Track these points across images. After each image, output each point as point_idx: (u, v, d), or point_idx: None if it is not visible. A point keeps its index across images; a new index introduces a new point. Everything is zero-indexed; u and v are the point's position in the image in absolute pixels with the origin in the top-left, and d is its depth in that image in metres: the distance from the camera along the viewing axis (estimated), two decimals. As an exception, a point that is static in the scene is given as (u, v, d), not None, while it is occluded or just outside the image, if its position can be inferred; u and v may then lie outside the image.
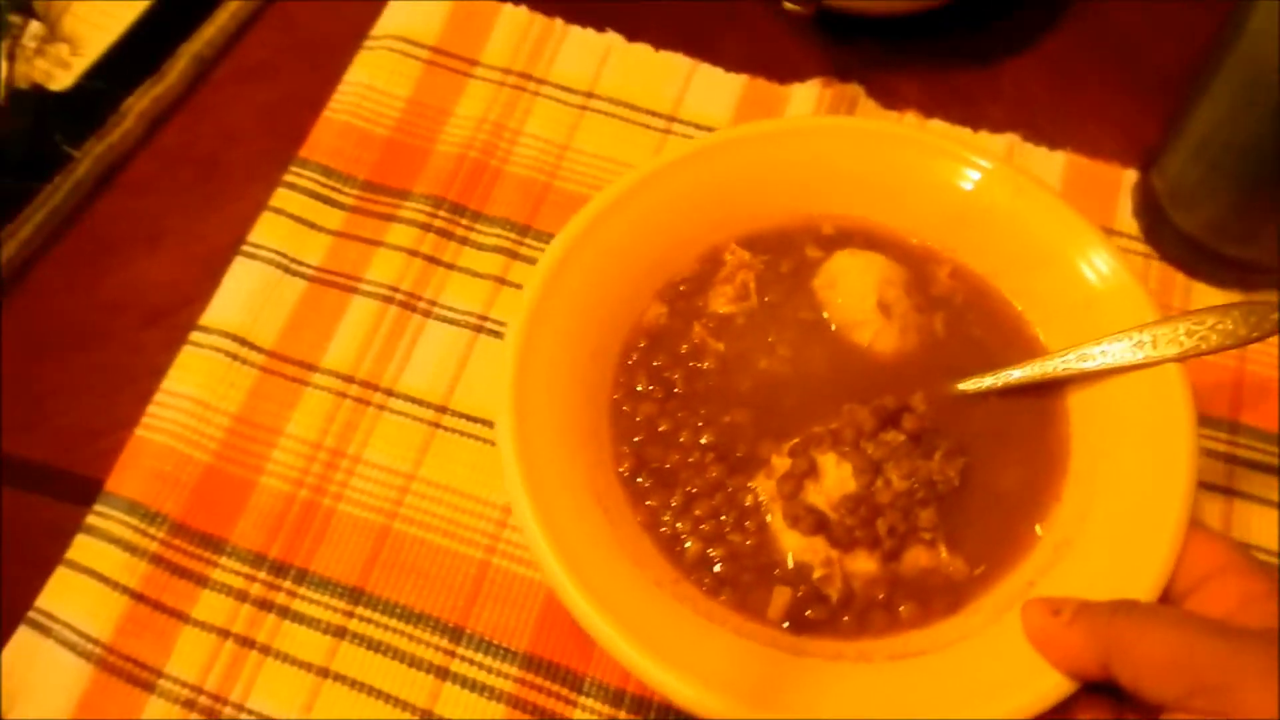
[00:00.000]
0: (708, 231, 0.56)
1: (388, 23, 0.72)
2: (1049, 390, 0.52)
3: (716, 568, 0.48)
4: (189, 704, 0.51)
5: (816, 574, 0.48)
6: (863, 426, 0.50)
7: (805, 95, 0.68)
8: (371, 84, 0.69)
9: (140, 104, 0.68)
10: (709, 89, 0.69)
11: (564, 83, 0.70)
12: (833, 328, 0.54)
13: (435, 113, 0.68)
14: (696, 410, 0.52)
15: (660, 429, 0.52)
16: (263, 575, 0.54)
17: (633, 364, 0.53)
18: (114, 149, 0.67)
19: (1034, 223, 0.54)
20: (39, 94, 0.68)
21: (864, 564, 0.48)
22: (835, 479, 0.49)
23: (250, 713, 0.51)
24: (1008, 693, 0.42)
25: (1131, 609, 0.41)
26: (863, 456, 0.49)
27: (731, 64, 0.70)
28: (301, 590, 0.54)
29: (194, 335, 0.61)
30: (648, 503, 0.50)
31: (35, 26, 0.70)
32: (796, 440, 0.50)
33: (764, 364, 0.53)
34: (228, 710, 0.51)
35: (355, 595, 0.54)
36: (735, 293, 0.55)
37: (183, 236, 0.65)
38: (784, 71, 0.69)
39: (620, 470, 0.50)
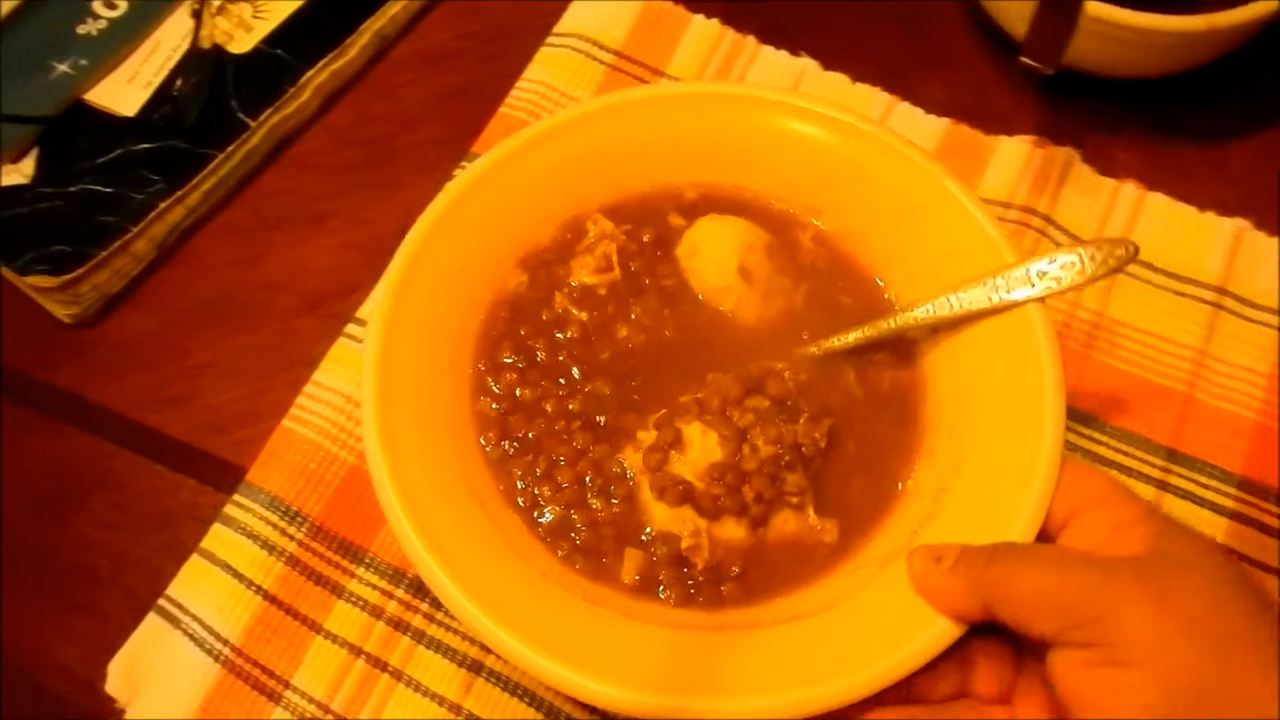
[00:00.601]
0: (572, 202, 0.56)
1: (572, 21, 0.69)
2: (909, 348, 0.53)
3: (577, 536, 0.48)
4: (314, 722, 0.49)
5: (685, 544, 0.47)
6: (728, 394, 0.49)
7: (1012, 151, 0.63)
8: (551, 84, 0.66)
9: (318, 78, 0.66)
10: (907, 129, 0.64)
11: (752, 104, 0.66)
12: (698, 295, 0.54)
13: (617, 121, 0.65)
14: (559, 380, 0.52)
15: (523, 398, 0.51)
16: (400, 593, 0.52)
17: (496, 335, 0.53)
18: (287, 121, 0.65)
19: (896, 178, 0.54)
20: (218, 55, 0.66)
21: (732, 531, 0.48)
22: (701, 448, 0.48)
23: (377, 741, 0.49)
24: (898, 643, 0.42)
25: (1008, 551, 0.42)
26: (728, 424, 0.49)
27: (934, 106, 0.65)
28: (440, 615, 0.51)
29: (349, 328, 0.58)
30: (513, 471, 0.49)
31: (223, -15, 0.68)
32: (662, 411, 0.50)
33: (626, 333, 0.53)
34: (354, 735, 0.49)
35: (495, 629, 0.51)
36: (597, 264, 0.54)
37: (348, 220, 0.63)
38: (991, 121, 0.64)
39: (482, 442, 0.50)
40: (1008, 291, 0.49)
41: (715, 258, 0.54)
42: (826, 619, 0.45)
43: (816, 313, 0.54)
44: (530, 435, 0.50)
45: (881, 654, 0.42)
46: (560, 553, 0.47)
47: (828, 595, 0.46)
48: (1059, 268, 0.48)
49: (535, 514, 0.48)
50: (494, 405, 0.51)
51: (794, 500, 0.48)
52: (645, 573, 0.47)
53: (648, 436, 0.49)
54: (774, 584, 0.48)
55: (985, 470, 0.47)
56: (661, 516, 0.48)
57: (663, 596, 0.47)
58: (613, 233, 0.55)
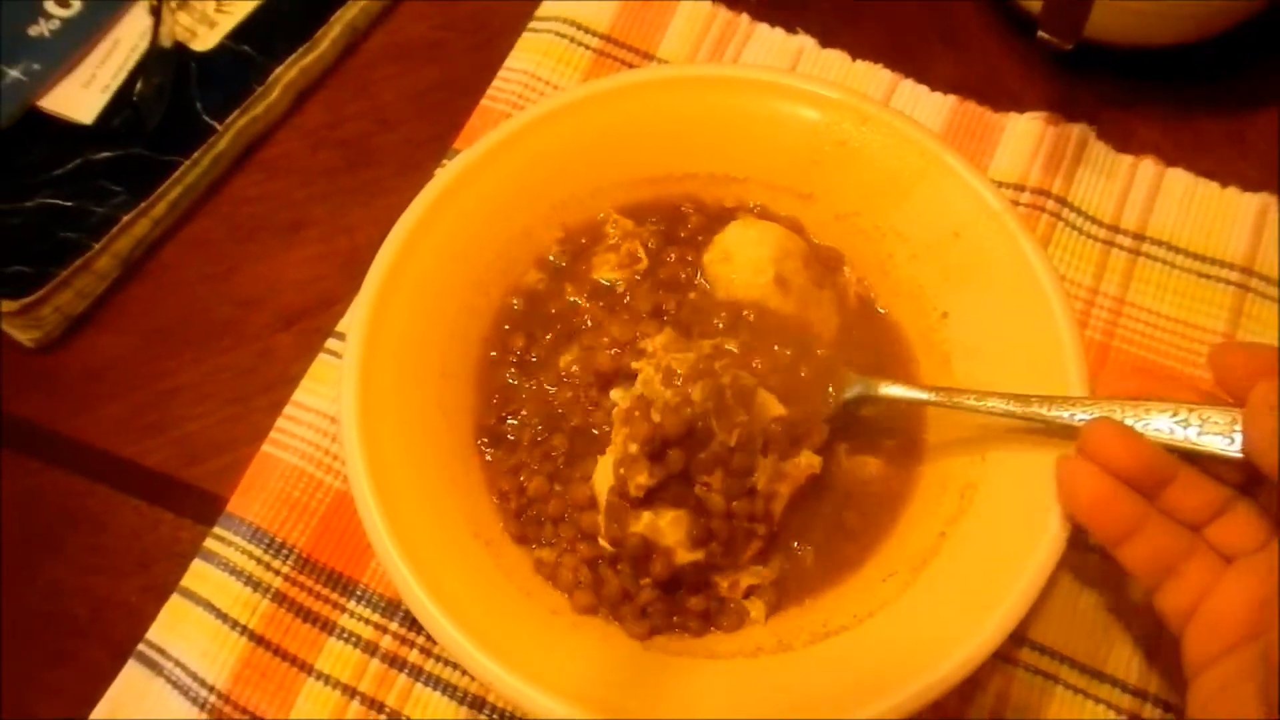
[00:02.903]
0: (556, 203, 0.53)
1: (555, 4, 0.65)
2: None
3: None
4: (308, 771, 0.46)
5: (739, 594, 0.45)
6: (628, 471, 0.44)
7: (1023, 130, 0.60)
8: (536, 73, 0.63)
9: (288, 75, 0.62)
10: (910, 107, 0.62)
11: (746, 87, 0.62)
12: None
13: (605, 111, 0.62)
14: (573, 403, 0.49)
15: (530, 436, 0.48)
16: (394, 627, 0.49)
17: (497, 360, 0.50)
18: (256, 123, 0.61)
19: (888, 154, 0.52)
20: (180, 53, 0.62)
21: (751, 548, 0.46)
22: (668, 527, 0.44)
23: (374, 789, 0.46)
24: (939, 657, 0.40)
25: None
26: (665, 498, 0.44)
27: (941, 83, 0.62)
28: (437, 649, 0.48)
29: (330, 343, 0.55)
30: (531, 526, 0.47)
31: (182, -22, 0.64)
32: (614, 526, 0.44)
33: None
34: (351, 785, 0.46)
35: (497, 663, 0.48)
36: (621, 260, 0.52)
37: (326, 228, 0.59)
38: (1001, 98, 0.61)
39: (500, 502, 0.47)
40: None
41: (750, 264, 0.51)
42: (861, 633, 0.43)
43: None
44: (541, 482, 0.47)
45: (921, 671, 0.40)
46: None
47: (861, 605, 0.44)
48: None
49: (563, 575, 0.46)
50: (500, 440, 0.48)
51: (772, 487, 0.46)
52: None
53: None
54: (803, 595, 0.46)
55: (1011, 466, 0.45)
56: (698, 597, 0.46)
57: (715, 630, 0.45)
58: (635, 230, 0.53)
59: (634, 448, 0.44)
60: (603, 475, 0.45)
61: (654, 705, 0.41)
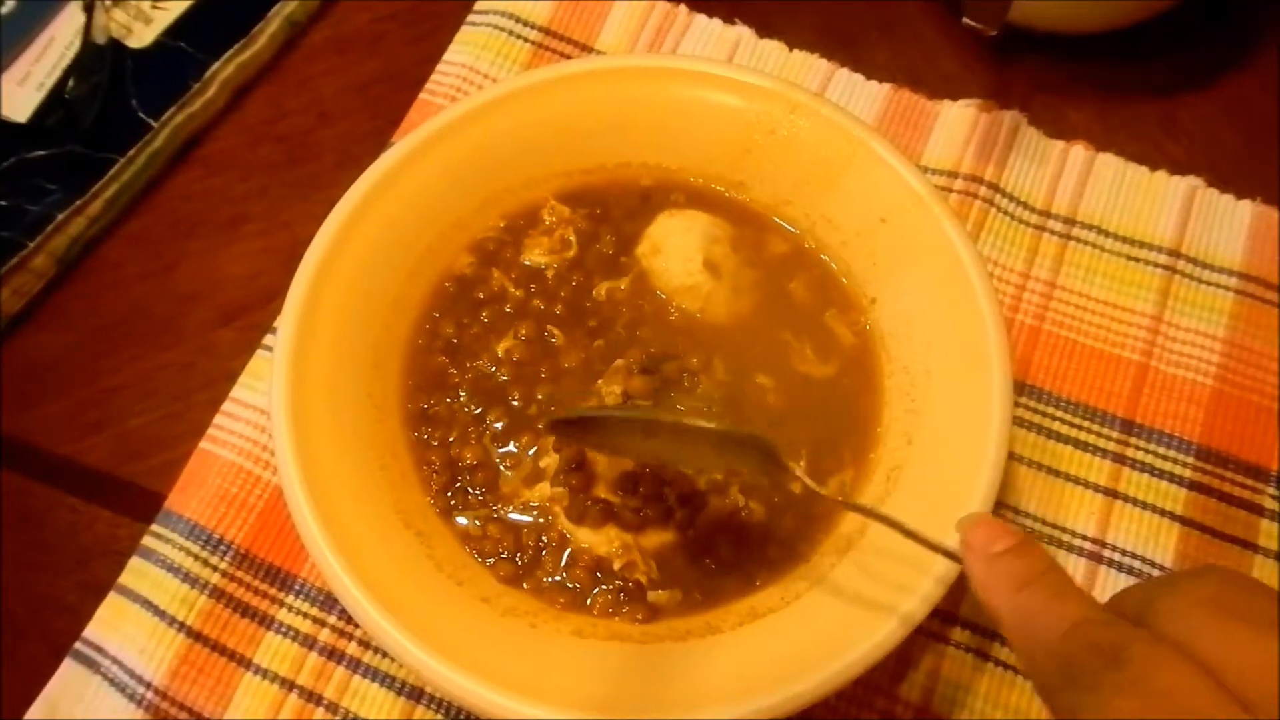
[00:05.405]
0: (493, 194, 0.54)
1: (494, -2, 0.65)
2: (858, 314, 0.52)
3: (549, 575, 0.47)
4: (247, 764, 0.47)
5: (617, 565, 0.46)
6: (629, 387, 0.48)
7: (957, 117, 0.61)
8: (475, 66, 0.63)
9: (225, 71, 0.62)
10: (846, 96, 0.62)
11: (685, 78, 0.63)
12: (662, 296, 0.52)
13: (544, 104, 0.62)
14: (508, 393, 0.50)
15: (468, 429, 0.49)
16: (333, 620, 0.49)
17: (425, 346, 0.51)
18: (194, 119, 0.61)
19: (816, 140, 0.52)
20: (116, 50, 0.62)
21: (660, 539, 0.46)
22: (608, 459, 0.47)
23: (313, 781, 0.47)
24: (875, 625, 0.41)
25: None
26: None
27: (878, 72, 0.62)
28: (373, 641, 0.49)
29: (268, 339, 0.55)
30: (459, 506, 0.48)
31: (117, -26, 0.64)
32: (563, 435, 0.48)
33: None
34: (289, 777, 0.46)
35: (434, 652, 0.48)
36: (553, 245, 0.53)
37: (265, 224, 0.59)
38: (936, 85, 0.62)
39: (431, 486, 0.48)
40: None
41: (679, 254, 0.52)
42: (788, 614, 0.44)
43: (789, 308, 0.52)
44: (472, 460, 0.48)
45: (848, 647, 0.41)
46: (525, 585, 0.46)
47: (789, 588, 0.45)
48: None
49: (485, 552, 0.47)
50: (431, 421, 0.49)
51: (718, 477, 0.47)
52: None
53: (551, 460, 0.47)
54: (733, 582, 0.46)
55: (936, 448, 0.46)
56: (587, 539, 0.46)
57: (626, 613, 0.45)
58: (570, 216, 0.53)
59: (620, 363, 0.48)
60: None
61: (582, 690, 0.41)
